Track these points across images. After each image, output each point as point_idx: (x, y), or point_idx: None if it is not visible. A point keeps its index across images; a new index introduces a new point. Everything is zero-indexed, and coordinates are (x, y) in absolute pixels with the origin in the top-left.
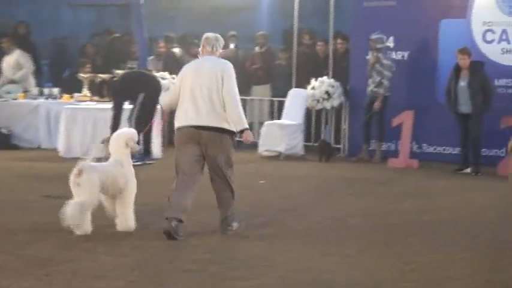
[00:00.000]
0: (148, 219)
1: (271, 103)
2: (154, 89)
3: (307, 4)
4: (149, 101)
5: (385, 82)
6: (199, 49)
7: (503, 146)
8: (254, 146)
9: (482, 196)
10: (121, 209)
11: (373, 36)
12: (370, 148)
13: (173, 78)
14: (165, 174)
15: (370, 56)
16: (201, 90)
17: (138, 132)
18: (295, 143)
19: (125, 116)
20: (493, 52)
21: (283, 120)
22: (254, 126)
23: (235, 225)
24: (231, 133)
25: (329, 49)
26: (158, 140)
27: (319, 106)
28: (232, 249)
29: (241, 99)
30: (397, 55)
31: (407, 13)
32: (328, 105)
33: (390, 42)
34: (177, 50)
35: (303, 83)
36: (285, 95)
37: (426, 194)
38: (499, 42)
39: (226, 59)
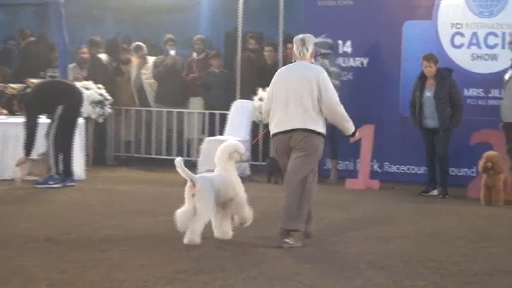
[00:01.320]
0: (65, 251)
1: (212, 116)
2: (74, 100)
3: (253, 4)
4: (69, 114)
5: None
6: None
7: (473, 165)
8: (193, 164)
9: (450, 222)
10: (237, 210)
11: (317, 40)
12: (325, 167)
13: (98, 88)
14: (87, 198)
15: (317, 63)
16: (292, 96)
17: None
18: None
19: (42, 131)
20: (462, 58)
21: (226, 136)
22: (193, 143)
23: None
24: (320, 135)
25: (279, 55)
26: (81, 159)
27: (267, 120)
28: None
29: (178, 112)
30: (355, 62)
31: (367, 14)
32: None
33: (348, 47)
34: (103, 56)
35: (247, 94)
36: (224, 108)
37: (388, 219)
38: (468, 46)
39: (165, 67)
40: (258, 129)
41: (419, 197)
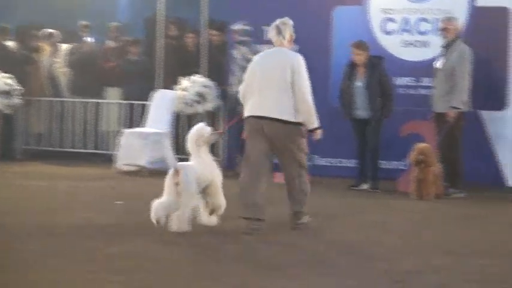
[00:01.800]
0: None
1: (131, 107)
2: None
3: None
4: None
5: None
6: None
7: (403, 157)
8: (110, 158)
9: (380, 217)
10: (212, 195)
11: (236, 27)
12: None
13: (6, 77)
14: None
15: (235, 51)
16: (266, 82)
17: None
18: (161, 155)
19: None
20: (393, 45)
21: (146, 128)
22: (110, 136)
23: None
24: (296, 125)
25: (201, 42)
26: None
27: (191, 110)
28: None
29: (94, 103)
30: None
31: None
32: (201, 109)
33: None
34: (11, 44)
35: (169, 83)
36: (144, 98)
37: (316, 214)
38: (400, 33)
39: (80, 55)
40: (180, 121)
41: (349, 191)
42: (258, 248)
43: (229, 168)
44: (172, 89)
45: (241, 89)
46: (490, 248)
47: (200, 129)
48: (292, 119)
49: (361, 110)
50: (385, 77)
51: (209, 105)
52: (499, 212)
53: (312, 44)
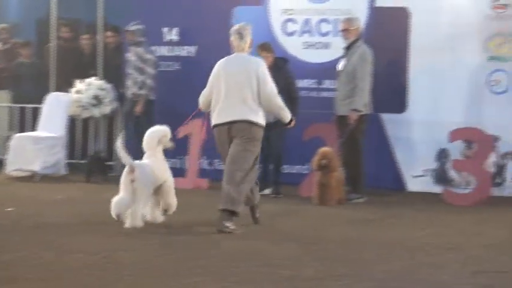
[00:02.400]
0: None
1: (22, 110)
2: None
3: None
4: None
5: (149, 81)
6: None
7: (306, 162)
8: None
9: (283, 223)
10: (165, 195)
11: (131, 28)
12: None
13: None
14: None
15: (130, 53)
16: (232, 89)
17: None
18: (55, 159)
19: None
20: (294, 46)
21: (39, 132)
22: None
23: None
24: (260, 126)
25: (97, 44)
26: None
27: (86, 114)
28: None
29: None
30: (183, 50)
31: (195, 0)
32: (98, 112)
33: (174, 35)
34: None
35: (63, 86)
36: (36, 101)
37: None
38: (301, 34)
39: None
40: (75, 125)
41: None
42: (158, 256)
43: None
44: (66, 91)
45: (204, 94)
46: (387, 252)
47: (164, 130)
48: (254, 119)
49: (266, 114)
50: (291, 80)
51: (106, 109)
52: (397, 216)
53: (213, 45)
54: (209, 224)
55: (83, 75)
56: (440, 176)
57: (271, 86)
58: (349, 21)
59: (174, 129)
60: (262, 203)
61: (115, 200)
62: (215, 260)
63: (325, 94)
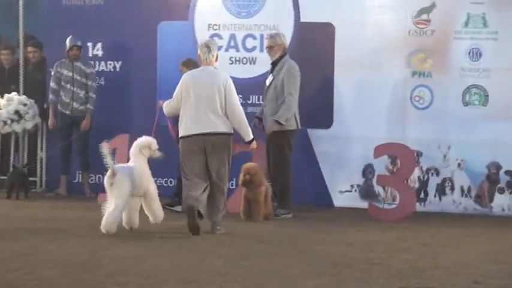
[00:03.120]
0: None
1: None
2: None
3: None
4: None
5: (94, 96)
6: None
7: (233, 177)
8: None
9: (208, 240)
10: (149, 205)
11: (78, 43)
12: (75, 181)
13: None
14: None
15: (63, 68)
16: (204, 102)
17: None
18: None
19: None
20: (220, 62)
21: None
22: None
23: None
24: (231, 135)
25: (18, 58)
26: None
27: (7, 129)
28: None
29: None
30: (108, 66)
31: (119, 14)
32: (19, 128)
33: (98, 50)
34: None
35: None
36: None
37: (142, 238)
38: (227, 49)
39: None
40: None
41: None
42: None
43: (49, 189)
44: None
45: (171, 105)
46: (315, 267)
47: (150, 141)
48: (228, 130)
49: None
50: None
51: (28, 124)
52: (324, 231)
53: (137, 60)
54: (134, 240)
55: (3, 91)
56: (366, 192)
57: (236, 100)
58: (273, 38)
59: (97, 144)
60: (175, 219)
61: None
62: (138, 277)
63: (251, 109)
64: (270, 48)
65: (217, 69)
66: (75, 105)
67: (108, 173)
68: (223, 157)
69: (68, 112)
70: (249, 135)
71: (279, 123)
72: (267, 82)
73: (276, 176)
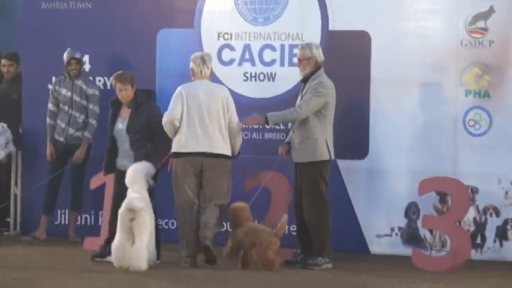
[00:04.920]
0: None
1: None
2: None
3: None
4: None
5: (94, 122)
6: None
7: None
8: None
9: None
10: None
11: (77, 55)
12: (58, 222)
13: None
14: None
15: (61, 86)
16: (206, 117)
17: None
18: None
19: None
20: (232, 78)
21: None
22: None
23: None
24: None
25: None
26: None
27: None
28: None
29: None
30: (97, 82)
31: (110, 20)
32: None
33: (85, 64)
34: None
35: None
36: None
37: None
38: (240, 63)
39: None
40: None
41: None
42: None
43: (25, 232)
44: None
45: (172, 122)
46: None
47: (149, 166)
48: (229, 153)
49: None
50: (156, 119)
51: (0, 153)
52: (359, 285)
53: (134, 72)
54: None
55: None
56: (410, 236)
57: (235, 114)
58: (302, 49)
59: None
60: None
61: (114, 247)
62: None
63: (269, 135)
64: (299, 62)
65: (215, 84)
66: (70, 131)
67: (129, 206)
68: (223, 180)
69: (61, 139)
70: (237, 150)
71: (266, 121)
72: (297, 102)
73: (312, 218)
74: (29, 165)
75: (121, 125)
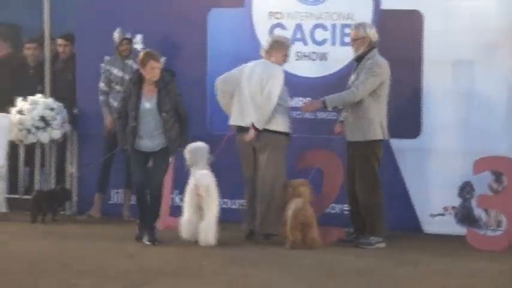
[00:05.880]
0: None
1: None
2: None
3: None
4: None
5: None
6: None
7: None
8: None
9: (263, 273)
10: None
11: (127, 35)
12: (112, 202)
13: None
14: None
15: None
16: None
17: None
18: None
19: None
20: None
21: None
22: None
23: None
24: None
25: (45, 54)
26: None
27: (32, 139)
28: None
29: None
30: None
31: (161, 0)
32: (45, 137)
33: (137, 44)
34: None
35: (2, 105)
36: None
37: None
38: (292, 42)
39: None
40: (18, 152)
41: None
42: None
43: (80, 211)
44: (6, 112)
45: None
46: None
47: (204, 147)
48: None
49: None
50: (179, 98)
51: (56, 133)
52: (412, 262)
53: (183, 55)
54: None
55: (27, 92)
56: (464, 215)
57: (273, 90)
58: (355, 29)
59: None
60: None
61: (183, 222)
62: None
63: (323, 115)
64: (353, 42)
65: (270, 63)
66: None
67: (198, 183)
68: (274, 157)
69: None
70: (259, 123)
71: (324, 105)
72: (349, 81)
73: (364, 196)
74: (84, 144)
75: (148, 105)
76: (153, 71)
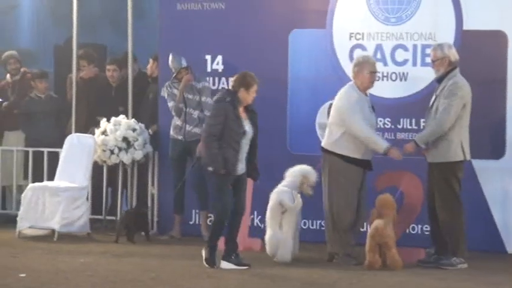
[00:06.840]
0: None
1: (37, 156)
2: None
3: (92, 8)
4: None
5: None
6: None
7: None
8: (12, 219)
9: None
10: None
11: (183, 62)
12: (192, 222)
13: None
14: None
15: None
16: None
17: None
18: (77, 215)
19: None
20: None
21: (57, 182)
22: (10, 192)
23: None
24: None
25: (127, 74)
26: None
27: (115, 159)
28: None
29: None
30: (229, 82)
31: (242, 21)
32: (127, 158)
33: (218, 64)
34: None
35: (86, 126)
36: (54, 144)
37: None
38: None
39: None
40: (103, 172)
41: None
42: None
43: (161, 231)
44: (89, 133)
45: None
46: None
47: (311, 172)
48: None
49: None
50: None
51: (138, 153)
52: (496, 284)
53: (264, 76)
54: None
55: (110, 113)
56: None
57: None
58: (434, 50)
59: None
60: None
61: (268, 238)
62: None
63: (402, 135)
64: (432, 63)
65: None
66: (188, 127)
67: (279, 199)
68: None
69: (180, 137)
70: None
71: (417, 144)
72: (430, 102)
73: (445, 217)
74: (166, 165)
75: (247, 128)
76: (253, 94)
